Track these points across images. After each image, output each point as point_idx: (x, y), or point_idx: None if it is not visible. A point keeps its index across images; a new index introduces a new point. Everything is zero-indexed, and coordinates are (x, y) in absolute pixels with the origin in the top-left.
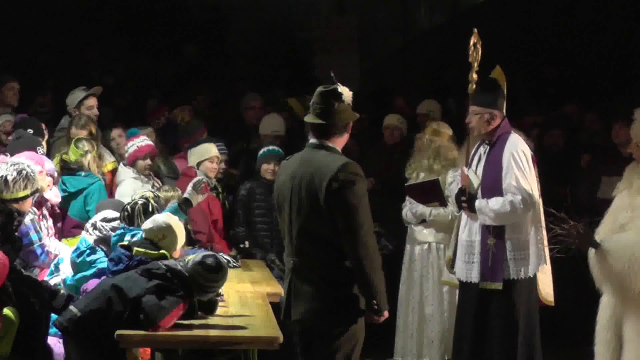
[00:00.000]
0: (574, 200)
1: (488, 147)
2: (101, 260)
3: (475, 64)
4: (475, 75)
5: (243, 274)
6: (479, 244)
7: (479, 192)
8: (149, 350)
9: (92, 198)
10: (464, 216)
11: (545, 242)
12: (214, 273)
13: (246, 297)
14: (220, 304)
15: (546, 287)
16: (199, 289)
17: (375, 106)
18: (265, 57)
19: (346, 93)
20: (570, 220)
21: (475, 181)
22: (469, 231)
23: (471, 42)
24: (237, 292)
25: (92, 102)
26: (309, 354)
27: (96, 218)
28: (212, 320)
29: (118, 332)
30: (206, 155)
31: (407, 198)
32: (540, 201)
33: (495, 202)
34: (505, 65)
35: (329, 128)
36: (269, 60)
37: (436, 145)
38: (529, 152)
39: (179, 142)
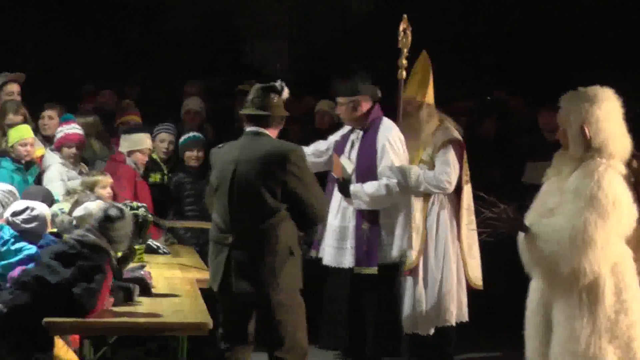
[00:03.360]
0: (505, 185)
1: (361, 132)
2: (27, 247)
3: (405, 50)
4: (405, 61)
5: (172, 260)
6: (353, 229)
7: (354, 177)
8: (78, 337)
9: None
10: (335, 202)
11: (473, 226)
12: (118, 221)
13: (175, 284)
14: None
15: (474, 271)
16: (110, 242)
17: (308, 92)
18: (203, 43)
19: (285, 90)
20: (500, 203)
21: (349, 167)
22: (342, 217)
23: (401, 28)
24: (166, 279)
25: (13, 87)
26: (250, 315)
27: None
28: (141, 307)
29: (46, 319)
30: (138, 146)
31: None
32: (469, 186)
33: (370, 186)
34: (436, 51)
35: (268, 119)
36: (206, 46)
37: None
38: (402, 137)
39: (112, 126)
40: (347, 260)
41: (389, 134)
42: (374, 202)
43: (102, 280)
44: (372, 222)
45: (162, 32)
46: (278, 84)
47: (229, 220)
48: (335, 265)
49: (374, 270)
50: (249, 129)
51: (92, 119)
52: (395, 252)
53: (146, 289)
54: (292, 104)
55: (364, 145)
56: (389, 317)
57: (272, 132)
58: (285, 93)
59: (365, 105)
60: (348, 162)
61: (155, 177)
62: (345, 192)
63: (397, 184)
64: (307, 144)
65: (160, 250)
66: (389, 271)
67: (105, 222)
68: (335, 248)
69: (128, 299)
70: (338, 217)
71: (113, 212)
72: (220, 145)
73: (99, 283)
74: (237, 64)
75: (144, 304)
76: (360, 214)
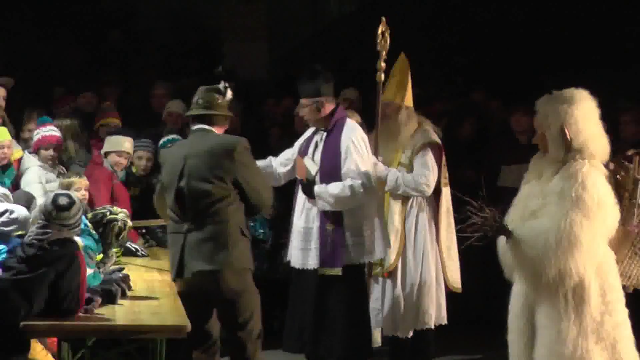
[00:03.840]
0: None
1: (324, 133)
2: (4, 250)
3: (384, 52)
4: (383, 64)
5: (151, 262)
6: (317, 230)
7: (317, 178)
8: (55, 340)
9: None
10: (300, 203)
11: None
12: (70, 209)
13: (154, 286)
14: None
15: (453, 274)
16: (69, 230)
17: (287, 94)
18: (175, 45)
19: (228, 91)
20: (486, 208)
21: (313, 168)
22: (306, 218)
23: (379, 31)
24: (144, 281)
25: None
26: (209, 310)
27: None
28: (119, 309)
29: (23, 322)
30: (116, 148)
31: None
32: (448, 189)
33: (334, 187)
34: (414, 54)
35: (213, 117)
36: (178, 48)
37: None
38: (366, 137)
39: (91, 128)
40: (312, 261)
41: (353, 135)
42: (338, 203)
43: (77, 275)
44: (336, 223)
45: (136, 33)
46: (222, 85)
47: (181, 211)
48: (300, 267)
49: (338, 271)
50: (195, 127)
51: (69, 121)
52: (377, 253)
53: (124, 292)
54: (271, 106)
55: (327, 146)
56: (356, 318)
57: (218, 130)
58: (229, 94)
59: (329, 107)
60: (312, 163)
61: (135, 191)
62: (309, 193)
63: (361, 185)
64: (288, 146)
65: (138, 253)
66: (354, 272)
67: (58, 212)
68: (300, 249)
69: (110, 301)
70: (302, 218)
71: (62, 200)
72: (168, 145)
73: (77, 279)
74: (211, 65)
75: (123, 306)
76: (324, 215)
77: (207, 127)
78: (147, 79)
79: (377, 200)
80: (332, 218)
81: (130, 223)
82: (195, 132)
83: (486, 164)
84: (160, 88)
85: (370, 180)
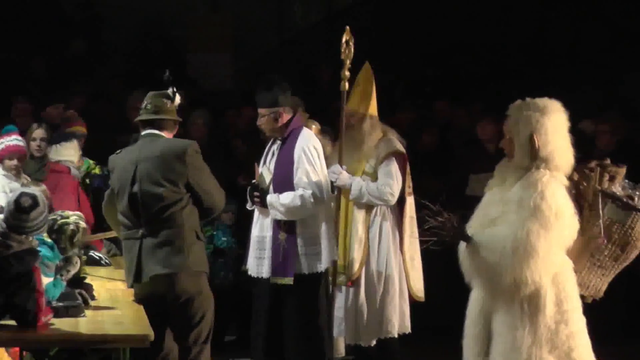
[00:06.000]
0: (447, 196)
1: (280, 143)
2: None
3: (348, 62)
4: (347, 73)
5: (114, 272)
6: (270, 239)
7: (271, 187)
8: (18, 350)
9: None
10: (256, 212)
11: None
12: (33, 211)
13: (117, 296)
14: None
15: (416, 283)
16: (31, 233)
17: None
18: (141, 55)
19: (177, 96)
20: (445, 213)
21: (267, 177)
22: (260, 226)
23: (343, 40)
24: (108, 290)
25: None
26: (165, 317)
27: None
28: (82, 319)
29: None
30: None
31: None
32: (412, 198)
33: (286, 197)
34: (379, 63)
35: (162, 122)
36: (144, 58)
37: None
38: (320, 147)
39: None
40: (265, 271)
41: (305, 144)
42: (289, 213)
43: (34, 290)
44: (289, 232)
45: (101, 42)
46: (170, 90)
47: (135, 216)
48: (255, 275)
49: (289, 280)
50: (144, 132)
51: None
52: (323, 264)
53: (86, 302)
54: (233, 116)
55: (281, 156)
56: (309, 328)
57: (168, 135)
58: (177, 99)
59: (286, 116)
60: (267, 172)
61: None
62: (262, 202)
63: (311, 195)
64: (252, 156)
65: (102, 262)
66: (308, 282)
67: (20, 214)
68: (256, 258)
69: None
70: (257, 227)
71: (25, 201)
72: (117, 152)
73: (33, 291)
74: (177, 75)
75: (86, 316)
76: (278, 224)
77: (156, 131)
78: (112, 89)
79: (330, 210)
80: (285, 227)
81: (83, 224)
82: (145, 137)
83: (453, 173)
84: (138, 100)
85: (321, 190)
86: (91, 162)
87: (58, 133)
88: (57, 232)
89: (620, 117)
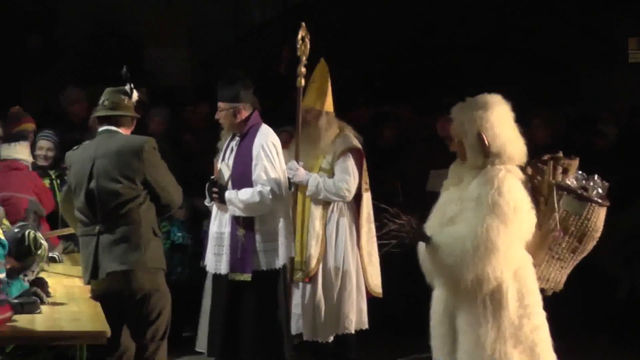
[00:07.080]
0: (405, 194)
1: (239, 139)
2: None
3: (304, 58)
4: (303, 69)
5: (71, 268)
6: (228, 235)
7: (230, 183)
8: None
9: None
10: (215, 208)
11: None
12: None
13: (74, 292)
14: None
15: (374, 279)
16: None
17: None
18: (95, 50)
19: (134, 92)
20: (403, 215)
21: (226, 173)
22: (219, 223)
23: (299, 36)
24: (64, 287)
25: None
26: (121, 314)
27: None
28: (39, 316)
29: None
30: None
31: None
32: (368, 194)
33: (244, 193)
34: (335, 59)
35: (120, 118)
36: (99, 54)
37: None
38: (278, 143)
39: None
40: (223, 267)
41: (264, 141)
42: (247, 209)
43: None
44: (248, 229)
45: (56, 38)
46: (128, 87)
47: (92, 213)
48: (214, 272)
49: (247, 277)
50: (101, 128)
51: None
52: (281, 260)
53: (41, 299)
54: (189, 112)
55: (240, 152)
56: (266, 324)
57: (125, 131)
58: (135, 95)
59: (245, 113)
60: (225, 168)
61: (45, 183)
62: (221, 199)
63: (270, 191)
64: (207, 152)
65: (57, 260)
66: (266, 278)
67: None
68: (214, 254)
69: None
70: (216, 223)
71: None
72: (74, 148)
73: None
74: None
75: (42, 313)
76: (236, 221)
77: (113, 128)
78: (66, 84)
79: (288, 207)
80: (243, 223)
81: (45, 244)
82: (102, 134)
83: (411, 169)
84: (74, 92)
85: (280, 186)
86: None
87: (9, 131)
88: (21, 234)
89: (558, 111)
